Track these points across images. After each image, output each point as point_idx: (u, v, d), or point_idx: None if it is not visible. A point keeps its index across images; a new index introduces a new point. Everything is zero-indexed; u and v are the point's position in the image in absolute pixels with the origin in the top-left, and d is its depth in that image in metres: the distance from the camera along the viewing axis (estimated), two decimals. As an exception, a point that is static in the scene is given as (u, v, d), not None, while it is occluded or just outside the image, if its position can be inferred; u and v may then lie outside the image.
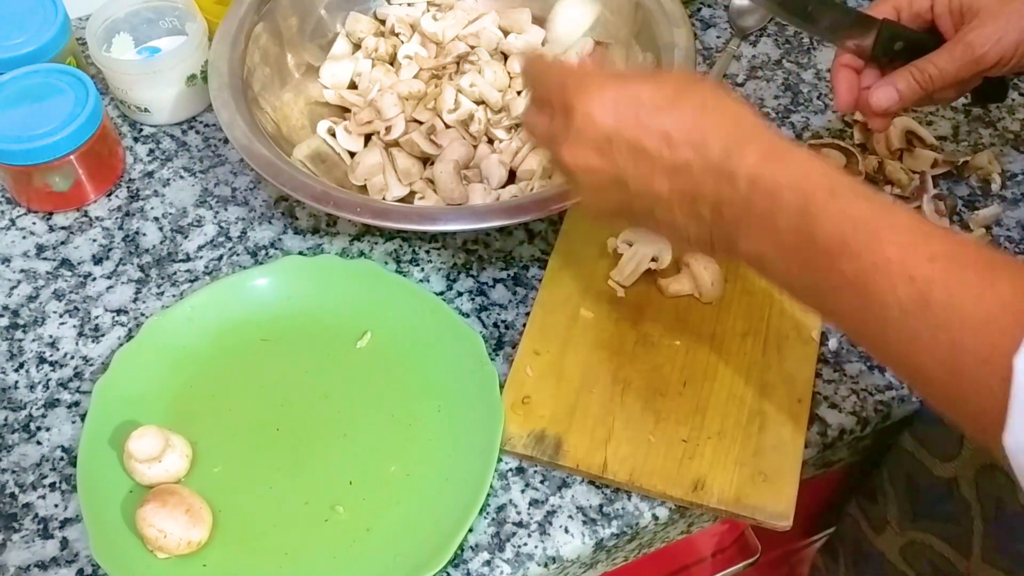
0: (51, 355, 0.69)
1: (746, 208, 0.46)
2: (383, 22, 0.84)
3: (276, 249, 0.75)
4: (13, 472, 0.64)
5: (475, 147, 0.75)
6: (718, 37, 0.89)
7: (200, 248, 0.75)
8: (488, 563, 0.60)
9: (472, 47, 0.81)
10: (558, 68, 0.52)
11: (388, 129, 0.75)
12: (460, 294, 0.72)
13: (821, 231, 0.43)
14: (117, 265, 0.74)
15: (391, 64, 0.81)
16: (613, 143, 0.48)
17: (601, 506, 0.62)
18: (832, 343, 0.69)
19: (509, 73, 0.79)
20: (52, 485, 0.63)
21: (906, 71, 0.62)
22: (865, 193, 0.45)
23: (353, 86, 0.81)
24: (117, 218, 0.77)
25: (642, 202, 0.49)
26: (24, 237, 0.76)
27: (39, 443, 0.65)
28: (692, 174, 0.47)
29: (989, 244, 0.74)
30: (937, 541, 0.63)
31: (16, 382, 0.68)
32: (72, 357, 0.69)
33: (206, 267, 0.74)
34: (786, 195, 0.44)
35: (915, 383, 0.44)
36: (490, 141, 0.76)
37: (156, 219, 0.77)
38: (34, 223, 0.77)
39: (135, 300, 0.72)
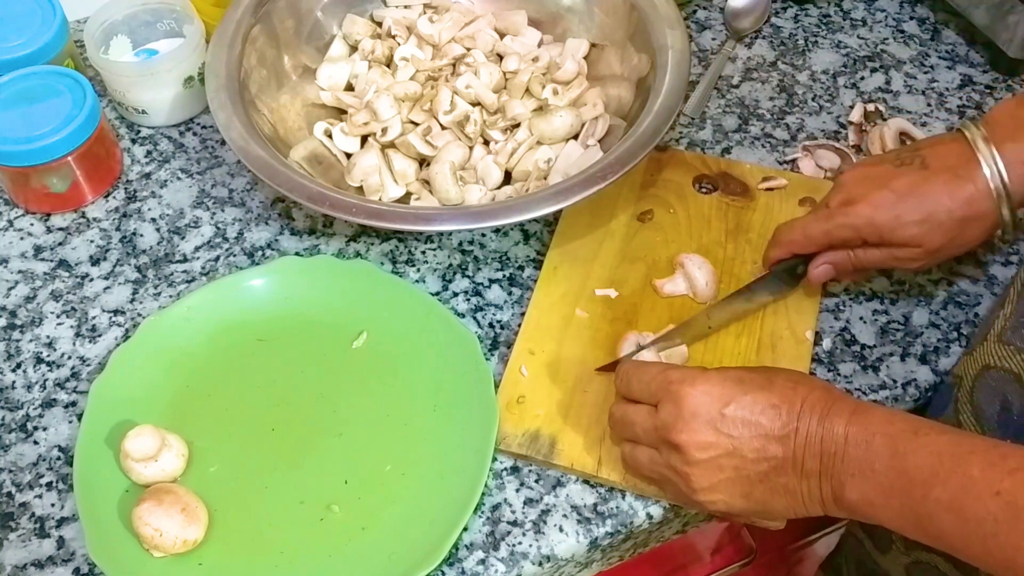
0: (48, 355, 0.70)
1: (847, 459, 0.51)
2: (380, 24, 0.84)
3: (273, 250, 0.75)
4: (10, 471, 0.64)
5: (471, 148, 0.76)
6: (713, 39, 0.90)
7: (197, 249, 0.75)
8: (483, 562, 0.60)
9: (468, 49, 0.81)
10: (656, 368, 0.58)
11: (384, 130, 0.76)
12: (456, 294, 0.72)
13: (912, 465, 0.49)
14: (114, 266, 0.74)
15: (387, 66, 0.81)
16: (727, 419, 0.54)
17: (595, 505, 0.62)
18: (826, 343, 0.69)
19: (504, 74, 0.79)
20: (49, 484, 0.64)
21: (844, 253, 0.67)
22: (943, 428, 0.51)
23: (350, 88, 0.81)
24: (114, 219, 0.77)
25: (758, 468, 0.54)
26: (22, 238, 0.76)
27: (36, 443, 0.66)
28: (799, 438, 0.53)
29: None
30: (943, 562, 0.64)
31: (13, 382, 0.68)
32: (69, 357, 0.69)
33: (203, 268, 0.74)
34: (877, 440, 0.51)
35: None
36: (486, 142, 0.77)
37: (153, 220, 0.77)
38: (32, 224, 0.77)
39: (132, 300, 0.72)
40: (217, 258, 0.75)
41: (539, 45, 0.83)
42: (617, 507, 0.62)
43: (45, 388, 0.68)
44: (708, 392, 0.54)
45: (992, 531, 0.46)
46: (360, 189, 0.75)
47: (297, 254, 0.74)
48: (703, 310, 0.68)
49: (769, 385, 0.54)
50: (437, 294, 0.72)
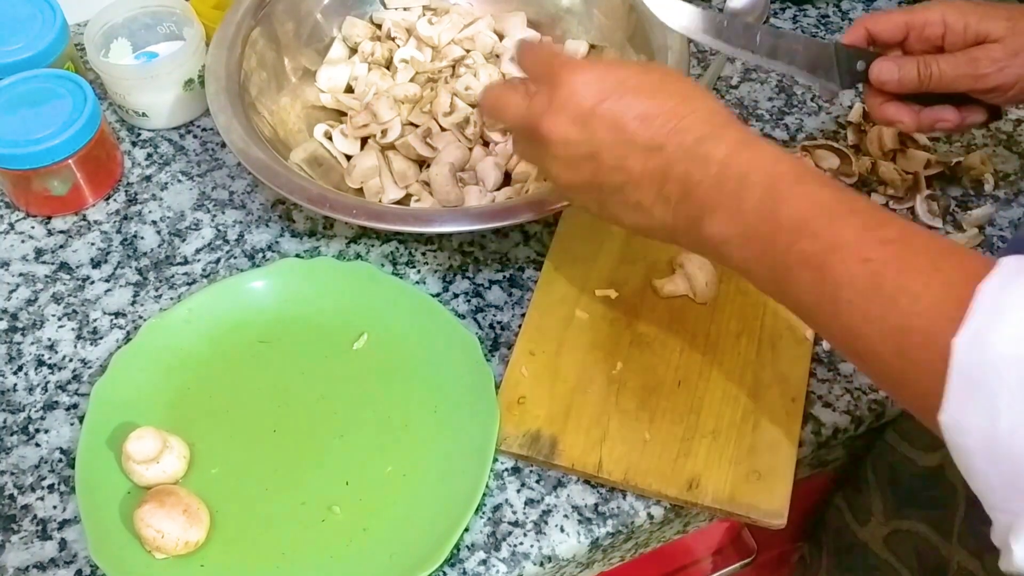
0: (50, 358, 0.70)
1: (715, 190, 0.48)
2: (379, 26, 0.84)
3: (273, 252, 0.75)
4: (12, 474, 0.64)
5: (471, 150, 0.76)
6: (712, 40, 0.90)
7: (198, 251, 0.75)
8: (484, 562, 0.60)
9: (467, 51, 0.81)
10: (549, 49, 0.54)
11: (384, 132, 0.76)
12: (456, 296, 0.72)
13: (785, 211, 0.46)
14: (115, 268, 0.74)
15: (387, 68, 0.82)
16: (595, 117, 0.50)
17: (596, 505, 0.62)
18: (826, 343, 0.69)
19: (504, 76, 0.79)
20: (51, 487, 0.64)
21: (912, 59, 0.63)
22: (829, 181, 0.48)
23: (349, 90, 0.81)
24: (115, 222, 0.77)
25: (613, 178, 0.51)
26: (23, 241, 0.76)
27: (38, 445, 0.66)
28: (666, 155, 0.49)
29: (980, 245, 0.75)
30: (922, 527, 0.64)
31: (15, 384, 0.68)
32: (70, 360, 0.70)
33: (204, 270, 0.74)
34: (754, 178, 0.47)
35: (864, 364, 0.46)
36: (485, 144, 0.77)
37: (154, 222, 0.77)
38: (33, 227, 0.77)
39: (133, 303, 0.72)
40: (218, 260, 0.75)
41: (538, 47, 0.83)
42: (618, 507, 0.62)
43: (47, 390, 0.68)
44: (586, 83, 0.50)
45: (848, 297, 0.44)
46: (360, 191, 0.75)
47: (298, 256, 0.75)
48: (757, 24, 0.64)
49: (653, 92, 0.50)
50: (437, 295, 0.72)
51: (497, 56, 0.82)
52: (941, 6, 0.62)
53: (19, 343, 0.70)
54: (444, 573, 0.60)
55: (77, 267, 0.75)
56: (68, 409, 0.67)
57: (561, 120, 0.51)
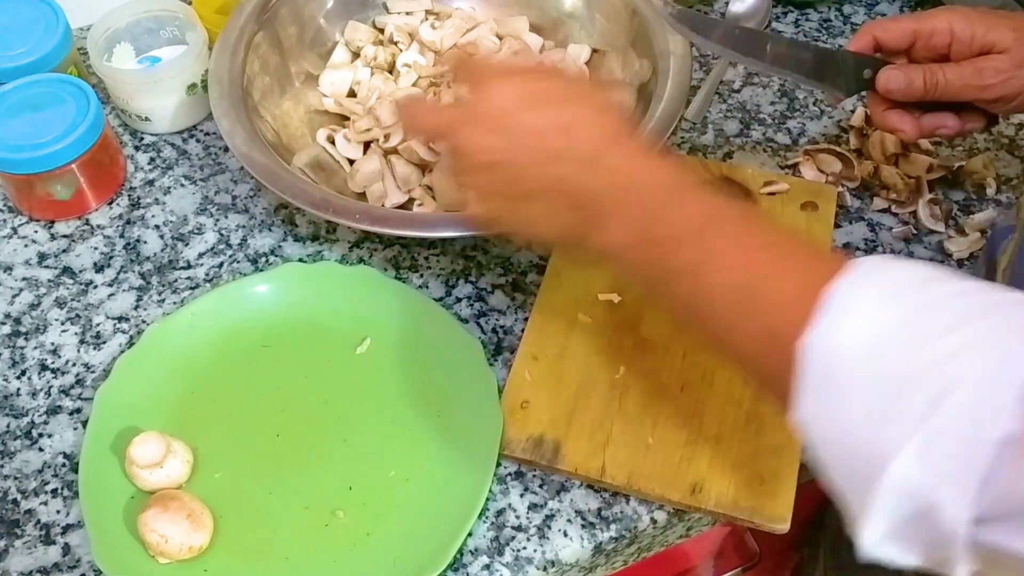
0: (53, 362, 0.70)
1: (609, 199, 0.51)
2: (382, 31, 0.84)
3: (276, 256, 0.75)
4: (15, 479, 0.64)
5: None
6: (714, 44, 0.90)
7: (201, 255, 0.75)
8: (487, 567, 0.60)
9: (470, 55, 0.81)
10: (477, 61, 0.57)
11: (387, 136, 0.76)
12: (459, 300, 0.72)
13: (667, 220, 0.49)
14: (118, 273, 0.75)
15: (390, 72, 0.82)
16: (511, 126, 0.52)
17: (600, 510, 0.62)
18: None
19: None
20: (54, 491, 0.64)
21: (919, 68, 0.64)
22: (709, 193, 0.50)
23: (352, 94, 0.82)
24: (118, 226, 0.77)
25: (525, 186, 0.53)
26: (26, 245, 0.77)
27: (41, 450, 0.66)
28: (570, 165, 0.51)
29: (982, 249, 0.75)
30: None
31: (18, 389, 0.68)
32: (74, 364, 0.70)
33: (207, 274, 0.74)
34: (642, 188, 0.50)
35: (739, 366, 0.49)
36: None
37: (157, 227, 0.77)
38: (36, 231, 0.77)
39: (136, 307, 0.73)
40: (221, 264, 0.75)
41: (540, 51, 0.83)
42: (621, 511, 0.62)
43: (50, 395, 0.68)
44: (501, 94, 0.53)
45: (719, 303, 0.47)
46: (363, 195, 0.75)
47: (300, 260, 0.75)
48: (767, 34, 0.65)
49: (561, 103, 0.53)
50: (440, 300, 0.72)
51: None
52: (948, 14, 0.63)
53: (22, 348, 0.71)
54: (447, 578, 0.60)
55: (80, 271, 0.75)
56: (71, 414, 0.67)
57: (479, 129, 0.53)
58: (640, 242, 0.50)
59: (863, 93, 0.71)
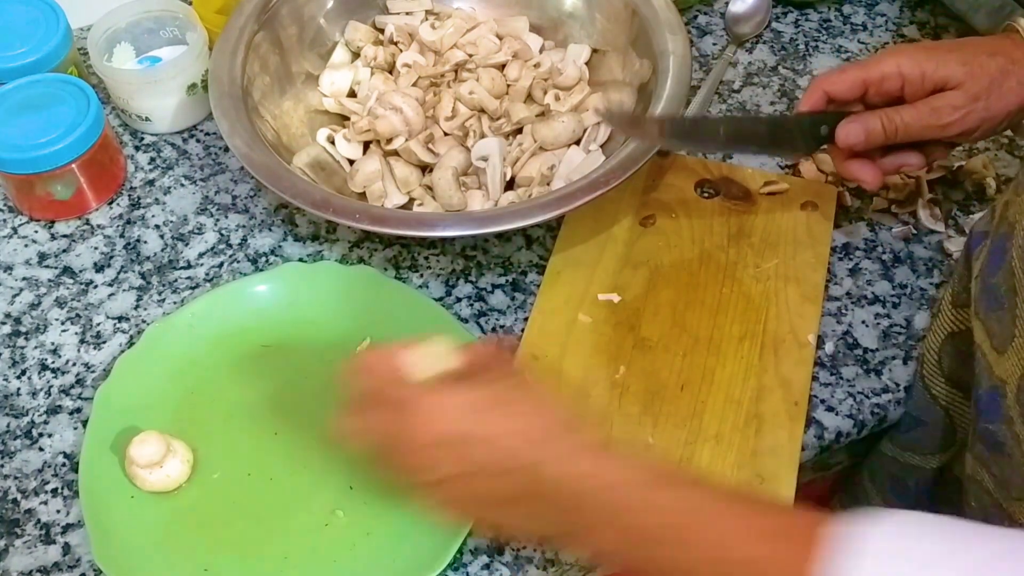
0: (53, 362, 0.70)
1: (580, 505, 0.47)
2: (382, 31, 0.84)
3: (276, 256, 0.75)
4: (16, 478, 0.64)
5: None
6: (714, 44, 0.90)
7: (201, 255, 0.75)
8: (487, 566, 0.60)
9: (470, 55, 0.81)
10: (386, 363, 0.51)
11: (388, 140, 0.76)
12: (459, 300, 0.73)
13: (650, 520, 0.45)
14: (118, 272, 0.75)
15: (390, 72, 0.82)
16: (463, 440, 0.48)
17: (599, 509, 0.62)
18: (828, 347, 0.69)
19: (505, 78, 0.79)
20: (54, 491, 0.64)
21: (876, 114, 0.63)
22: (683, 481, 0.47)
23: (352, 94, 0.82)
24: (118, 226, 0.77)
25: (489, 494, 0.49)
26: (26, 245, 0.77)
27: (41, 449, 0.66)
28: (536, 472, 0.47)
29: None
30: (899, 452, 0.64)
31: (18, 389, 0.69)
32: (74, 364, 0.70)
33: (207, 274, 0.74)
34: (614, 489, 0.46)
35: None
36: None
37: (157, 227, 0.77)
38: (36, 231, 0.77)
39: (136, 307, 0.73)
40: (221, 264, 0.75)
41: (540, 51, 0.83)
42: (621, 511, 0.62)
43: (50, 395, 0.68)
44: (446, 408, 0.49)
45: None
46: (363, 195, 0.75)
47: (301, 260, 0.75)
48: (717, 118, 0.64)
49: (512, 411, 0.49)
50: (440, 299, 0.72)
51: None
52: (895, 57, 0.62)
53: (22, 347, 0.71)
54: (447, 577, 0.60)
55: (80, 271, 0.75)
56: (71, 413, 0.67)
57: (428, 447, 0.49)
58: (622, 546, 0.47)
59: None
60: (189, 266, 0.75)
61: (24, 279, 0.74)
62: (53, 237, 0.77)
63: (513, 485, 0.48)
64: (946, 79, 0.61)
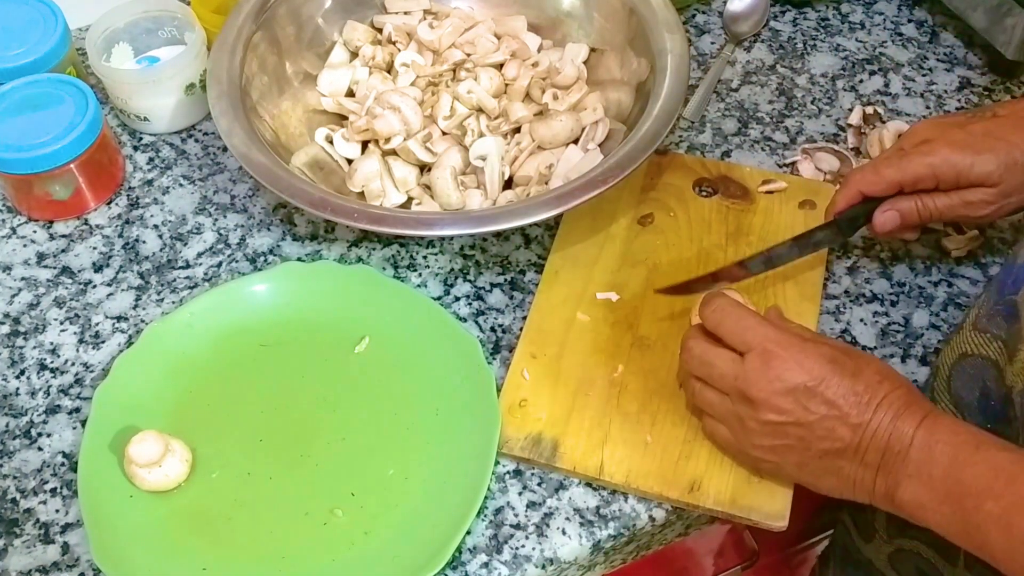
0: (52, 362, 0.70)
1: (908, 460, 0.53)
2: (380, 31, 0.84)
3: (275, 255, 0.75)
4: (15, 478, 0.64)
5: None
6: (712, 43, 0.90)
7: (199, 255, 0.76)
8: (486, 565, 0.60)
9: (468, 55, 0.81)
10: (753, 316, 0.58)
11: (387, 139, 0.76)
12: (457, 299, 0.73)
13: (969, 476, 0.51)
14: (117, 272, 0.75)
15: (388, 72, 0.82)
16: (811, 394, 0.55)
17: (598, 508, 0.62)
18: (827, 345, 0.69)
19: (504, 78, 0.79)
20: (53, 490, 0.64)
21: (911, 200, 0.66)
22: (1005, 445, 0.52)
23: (351, 94, 0.82)
24: (117, 226, 0.78)
25: (821, 445, 0.56)
26: (25, 245, 0.77)
27: (40, 449, 0.66)
28: (870, 429, 0.54)
29: (980, 246, 0.75)
30: (924, 548, 0.64)
31: (17, 388, 0.69)
32: (73, 364, 0.70)
33: (205, 274, 0.74)
34: (940, 448, 0.53)
35: None
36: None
37: (156, 227, 0.77)
38: (35, 231, 0.78)
39: (135, 307, 0.73)
40: (219, 264, 0.75)
41: (538, 50, 0.83)
42: (620, 510, 0.62)
43: (49, 394, 0.68)
44: (800, 364, 0.55)
45: None
46: (361, 195, 0.75)
47: (299, 259, 0.75)
48: (753, 255, 0.67)
49: (858, 373, 0.56)
50: (439, 299, 0.72)
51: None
52: (929, 158, 0.64)
53: (21, 347, 0.71)
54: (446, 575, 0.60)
55: (79, 271, 0.75)
56: (70, 413, 0.67)
57: (775, 391, 0.56)
58: (943, 499, 0.52)
59: (860, 97, 0.71)
60: (188, 266, 0.75)
61: (23, 279, 0.74)
62: (52, 237, 0.77)
63: (861, 436, 0.54)
64: (982, 179, 0.63)
